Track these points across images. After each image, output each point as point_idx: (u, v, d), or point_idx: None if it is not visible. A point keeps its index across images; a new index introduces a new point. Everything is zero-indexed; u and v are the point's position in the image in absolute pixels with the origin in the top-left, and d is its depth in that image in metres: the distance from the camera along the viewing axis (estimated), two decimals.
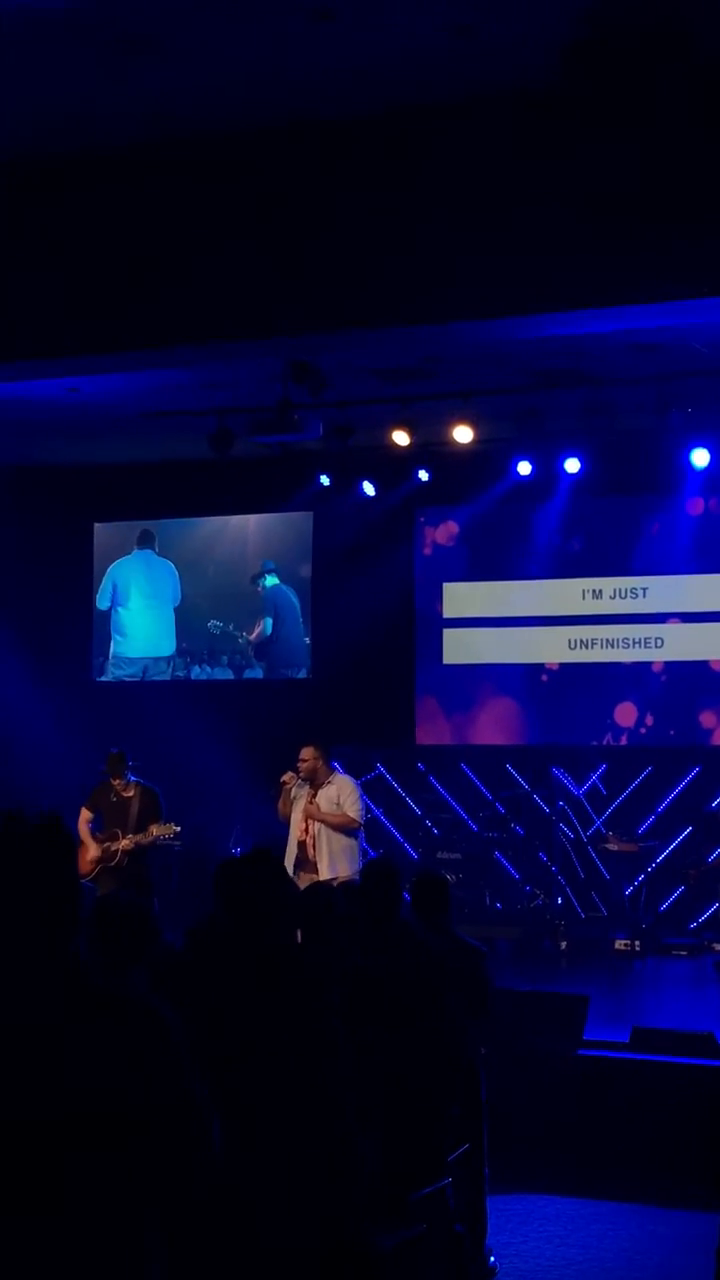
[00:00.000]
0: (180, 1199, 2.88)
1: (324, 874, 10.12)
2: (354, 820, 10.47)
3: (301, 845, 10.49)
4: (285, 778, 10.63)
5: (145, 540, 16.58)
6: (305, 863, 10.40)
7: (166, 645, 16.53)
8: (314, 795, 10.54)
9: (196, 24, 7.40)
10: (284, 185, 8.88)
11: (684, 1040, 9.16)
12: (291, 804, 10.61)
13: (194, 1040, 2.92)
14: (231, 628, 16.25)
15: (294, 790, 10.59)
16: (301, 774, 10.56)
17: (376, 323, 8.93)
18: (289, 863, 10.34)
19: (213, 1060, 3.31)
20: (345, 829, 10.45)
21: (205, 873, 5.26)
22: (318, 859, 10.38)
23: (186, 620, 16.43)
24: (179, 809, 11.85)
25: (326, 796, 10.51)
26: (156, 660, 16.53)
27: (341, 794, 10.53)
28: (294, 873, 10.13)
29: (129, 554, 16.62)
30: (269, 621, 16.08)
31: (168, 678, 16.49)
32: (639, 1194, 8.20)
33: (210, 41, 7.60)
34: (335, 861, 10.35)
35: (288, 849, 10.52)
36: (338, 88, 8.14)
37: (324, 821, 10.43)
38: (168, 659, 16.51)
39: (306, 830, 10.51)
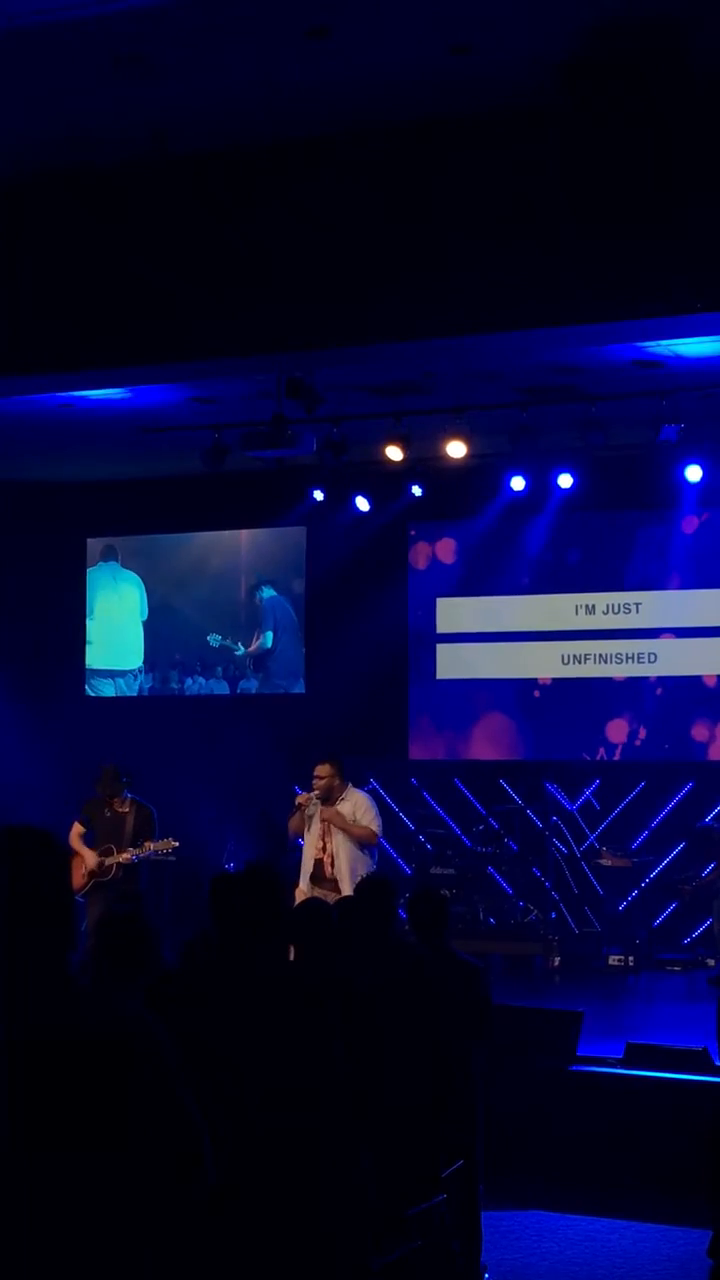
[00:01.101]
0: (172, 1211, 2.88)
1: (345, 891, 9.98)
2: (372, 833, 10.36)
3: (319, 864, 10.38)
4: (301, 798, 10.48)
5: (109, 554, 16.60)
6: (324, 880, 10.26)
7: (133, 658, 16.52)
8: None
9: (193, 42, 7.43)
10: (278, 202, 8.90)
11: (677, 1056, 9.15)
12: (307, 822, 10.52)
13: (186, 1054, 2.93)
14: (229, 641, 16.24)
15: (310, 809, 10.50)
16: (318, 791, 10.44)
17: (370, 339, 8.95)
18: (304, 881, 10.29)
19: (204, 1074, 3.31)
20: (364, 842, 10.36)
21: (198, 887, 5.26)
22: (337, 876, 10.30)
23: (180, 633, 16.41)
24: (173, 824, 11.82)
25: (342, 812, 10.43)
26: (124, 673, 16.52)
27: (358, 809, 10.42)
28: (311, 890, 10.06)
29: (95, 565, 16.64)
30: (269, 635, 16.07)
31: (134, 692, 16.48)
32: (633, 1210, 8.19)
33: (206, 59, 7.62)
34: (354, 879, 10.26)
35: (302, 867, 10.45)
36: (333, 105, 8.17)
37: (345, 830, 10.30)
38: (135, 672, 16.49)
39: (324, 849, 10.41)
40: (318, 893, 9.93)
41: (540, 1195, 8.30)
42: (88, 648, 16.64)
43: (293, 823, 10.68)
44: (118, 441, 13.80)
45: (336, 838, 10.37)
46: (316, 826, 10.44)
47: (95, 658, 16.64)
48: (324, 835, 10.41)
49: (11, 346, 9.56)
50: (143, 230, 9.18)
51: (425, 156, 8.48)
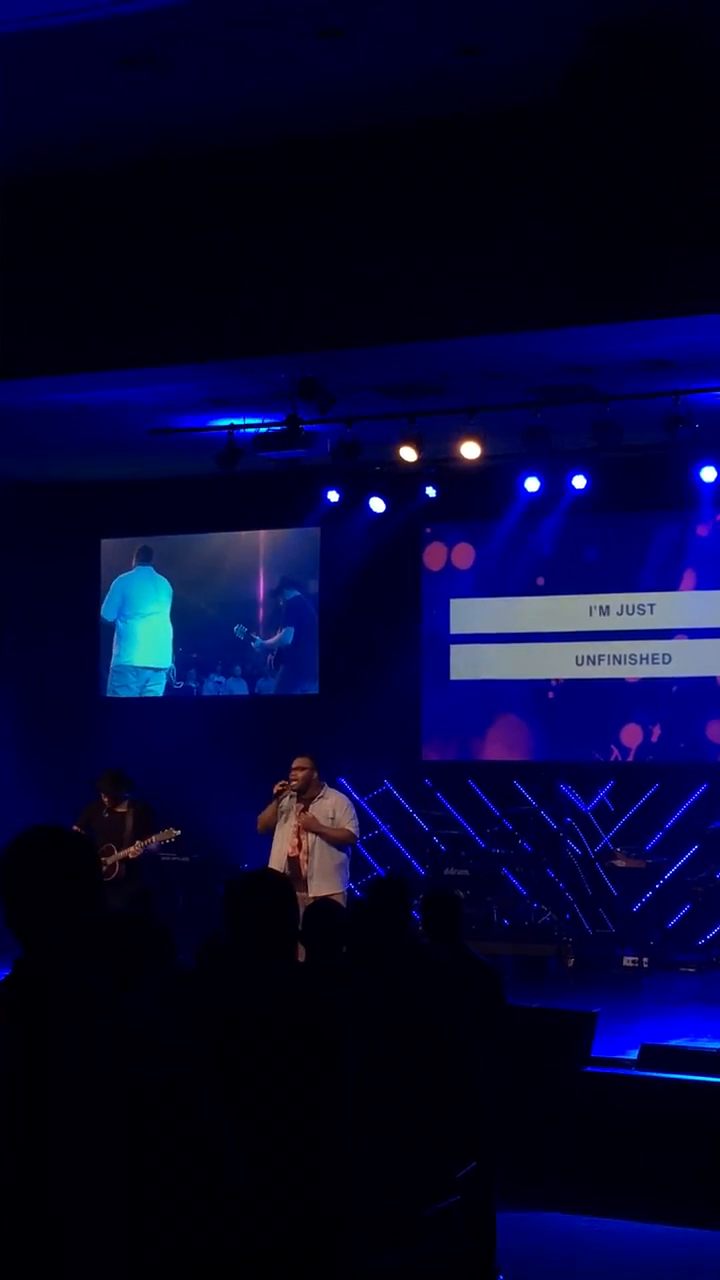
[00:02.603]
0: (195, 1216, 2.87)
1: (314, 891, 9.97)
2: (352, 834, 10.38)
3: (293, 861, 10.34)
4: (278, 787, 10.51)
5: (145, 556, 16.63)
6: (297, 879, 10.25)
7: (165, 658, 16.57)
8: (304, 808, 10.45)
9: (204, 42, 7.44)
10: (290, 202, 8.92)
11: (693, 1058, 9.13)
12: (279, 815, 10.52)
13: (203, 1055, 2.92)
14: (251, 631, 16.26)
15: (284, 802, 10.49)
16: (294, 783, 10.45)
17: (381, 340, 8.96)
18: None
19: (220, 1074, 3.30)
20: (342, 844, 10.34)
21: (214, 889, 5.27)
22: (310, 875, 10.29)
23: (199, 632, 16.42)
24: (188, 825, 11.83)
25: (321, 811, 10.39)
26: (157, 671, 16.57)
27: (337, 809, 10.42)
28: None
29: (131, 569, 16.67)
30: (290, 631, 16.07)
31: (161, 692, 16.51)
32: (648, 1212, 8.17)
33: (218, 59, 7.63)
34: (327, 879, 10.22)
35: (273, 863, 10.37)
36: (344, 105, 8.18)
37: (321, 834, 10.29)
38: (165, 671, 16.54)
39: (299, 845, 10.38)
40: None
41: (555, 1196, 8.28)
42: (125, 645, 16.66)
43: (264, 815, 10.61)
44: (130, 443, 13.81)
45: (312, 835, 10.36)
46: (291, 822, 10.43)
47: (133, 655, 16.67)
48: (298, 832, 10.39)
49: (22, 348, 9.57)
50: (155, 231, 9.20)
51: (436, 157, 8.48)
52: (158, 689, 16.58)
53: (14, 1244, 2.73)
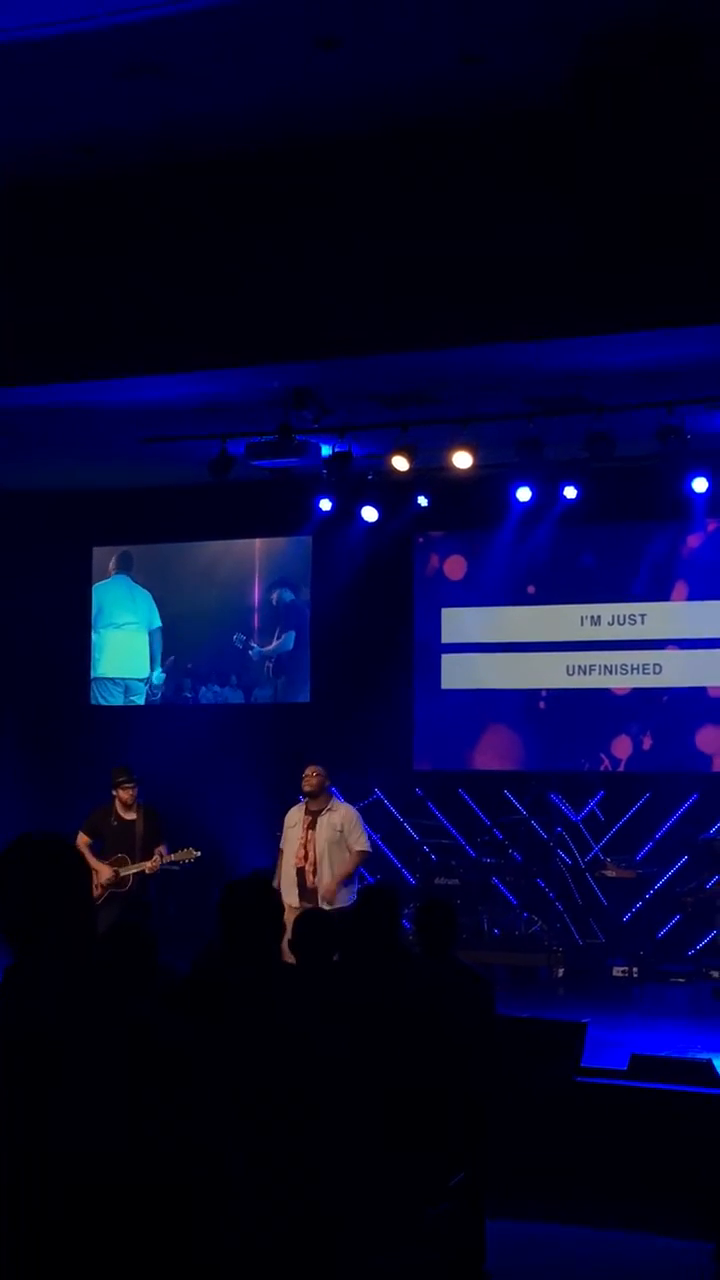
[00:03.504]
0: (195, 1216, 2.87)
1: (324, 903, 9.99)
2: (365, 849, 10.45)
3: (301, 872, 10.36)
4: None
5: (124, 563, 16.59)
6: (304, 890, 10.25)
7: (143, 667, 16.53)
8: (311, 822, 10.45)
9: (203, 50, 7.45)
10: (286, 210, 8.93)
11: (683, 1068, 9.13)
12: (285, 831, 10.53)
13: (197, 1062, 2.93)
14: (249, 640, 16.21)
15: (291, 817, 10.50)
16: (306, 789, 10.47)
17: (378, 349, 8.96)
18: (288, 895, 10.16)
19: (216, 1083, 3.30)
20: (357, 862, 10.41)
21: (208, 896, 5.26)
22: (318, 886, 10.28)
23: (194, 642, 16.39)
24: (182, 833, 11.80)
25: (329, 824, 10.39)
26: (137, 681, 16.53)
27: (346, 824, 10.40)
28: (298, 904, 10.00)
29: (108, 577, 16.64)
30: (291, 635, 16.04)
31: (142, 700, 16.49)
32: (637, 1222, 8.17)
33: (216, 67, 7.64)
34: (338, 890, 10.25)
35: (283, 878, 10.38)
36: (344, 114, 8.19)
37: (337, 871, 10.30)
38: (144, 680, 16.50)
39: (305, 856, 10.38)
40: (300, 903, 9.85)
41: (544, 1206, 8.28)
42: (97, 656, 16.63)
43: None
44: (122, 450, 13.81)
45: (320, 847, 10.34)
46: (298, 835, 10.42)
47: (105, 667, 16.64)
48: (305, 844, 10.38)
49: (16, 354, 9.58)
50: (150, 239, 9.20)
51: (435, 165, 8.49)
52: (139, 700, 16.54)
53: (15, 1249, 2.73)
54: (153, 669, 16.48)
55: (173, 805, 12.32)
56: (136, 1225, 2.74)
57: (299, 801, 10.77)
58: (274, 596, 16.10)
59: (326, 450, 12.26)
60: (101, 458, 14.33)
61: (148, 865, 11.07)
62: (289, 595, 16.05)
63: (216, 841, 14.46)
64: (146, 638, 16.53)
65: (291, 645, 16.02)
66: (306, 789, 10.47)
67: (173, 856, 11.15)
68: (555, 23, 7.11)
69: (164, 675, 16.48)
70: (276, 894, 4.83)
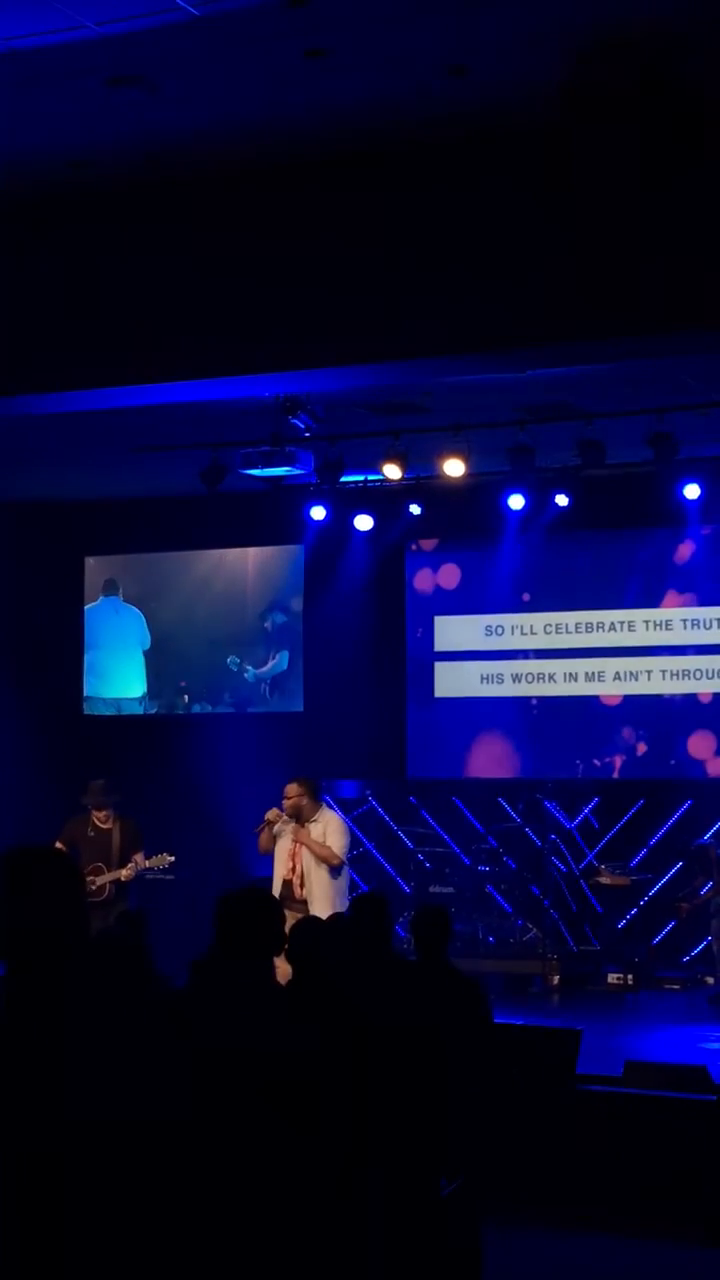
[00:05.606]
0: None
1: (315, 913, 9.98)
2: (335, 855, 10.26)
3: (288, 884, 10.32)
4: (270, 814, 10.45)
5: (110, 588, 16.61)
6: (292, 901, 10.22)
7: (136, 687, 16.53)
8: (300, 828, 10.43)
9: (190, 62, 7.45)
10: (274, 222, 8.93)
11: (677, 1074, 9.13)
12: (275, 841, 10.50)
13: (189, 1073, 2.93)
14: (245, 664, 16.20)
15: (278, 827, 10.46)
16: (287, 811, 10.41)
17: (369, 359, 8.97)
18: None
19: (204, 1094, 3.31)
20: (325, 861, 10.28)
21: (203, 907, 5.26)
22: (306, 897, 10.27)
23: (186, 661, 16.35)
24: (174, 843, 11.79)
25: (312, 833, 10.39)
26: (130, 700, 16.53)
27: (328, 830, 10.37)
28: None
29: (96, 601, 16.64)
30: (285, 655, 16.03)
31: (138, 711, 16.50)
32: (632, 1229, 8.17)
33: (205, 80, 7.65)
34: (323, 901, 10.19)
35: (273, 888, 10.38)
36: (331, 126, 8.19)
37: (309, 848, 10.27)
38: (139, 699, 16.50)
39: (293, 869, 10.36)
40: (287, 915, 9.82)
41: (539, 1213, 8.27)
42: (89, 679, 16.62)
43: (261, 840, 10.61)
44: (113, 460, 13.81)
45: (306, 858, 10.32)
46: (285, 845, 10.41)
47: (97, 687, 16.64)
48: (293, 855, 10.37)
49: (4, 365, 9.58)
50: (139, 251, 9.21)
51: (423, 177, 8.50)
52: (134, 711, 16.54)
53: (15, 1248, 2.74)
54: (144, 688, 16.47)
55: (167, 815, 12.31)
56: (137, 1224, 2.75)
57: None
58: (268, 624, 16.09)
59: (317, 459, 12.27)
60: (93, 467, 14.33)
61: (123, 873, 11.08)
62: (281, 618, 16.04)
63: (213, 851, 14.47)
64: (138, 659, 16.53)
65: (286, 665, 16.02)
66: (288, 811, 10.38)
67: (148, 863, 11.15)
68: (545, 35, 7.11)
69: (156, 695, 16.45)
70: (276, 903, 4.83)
